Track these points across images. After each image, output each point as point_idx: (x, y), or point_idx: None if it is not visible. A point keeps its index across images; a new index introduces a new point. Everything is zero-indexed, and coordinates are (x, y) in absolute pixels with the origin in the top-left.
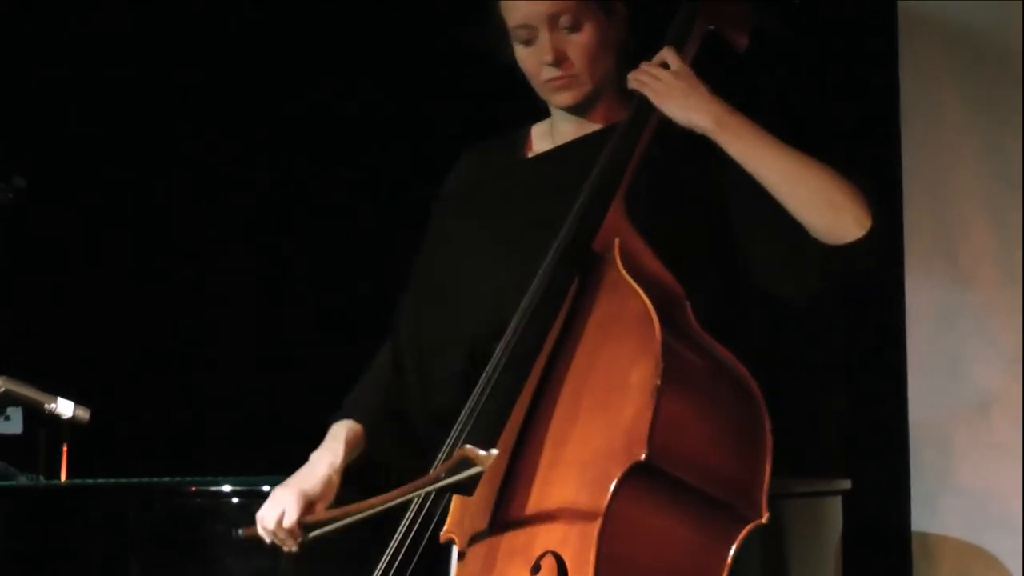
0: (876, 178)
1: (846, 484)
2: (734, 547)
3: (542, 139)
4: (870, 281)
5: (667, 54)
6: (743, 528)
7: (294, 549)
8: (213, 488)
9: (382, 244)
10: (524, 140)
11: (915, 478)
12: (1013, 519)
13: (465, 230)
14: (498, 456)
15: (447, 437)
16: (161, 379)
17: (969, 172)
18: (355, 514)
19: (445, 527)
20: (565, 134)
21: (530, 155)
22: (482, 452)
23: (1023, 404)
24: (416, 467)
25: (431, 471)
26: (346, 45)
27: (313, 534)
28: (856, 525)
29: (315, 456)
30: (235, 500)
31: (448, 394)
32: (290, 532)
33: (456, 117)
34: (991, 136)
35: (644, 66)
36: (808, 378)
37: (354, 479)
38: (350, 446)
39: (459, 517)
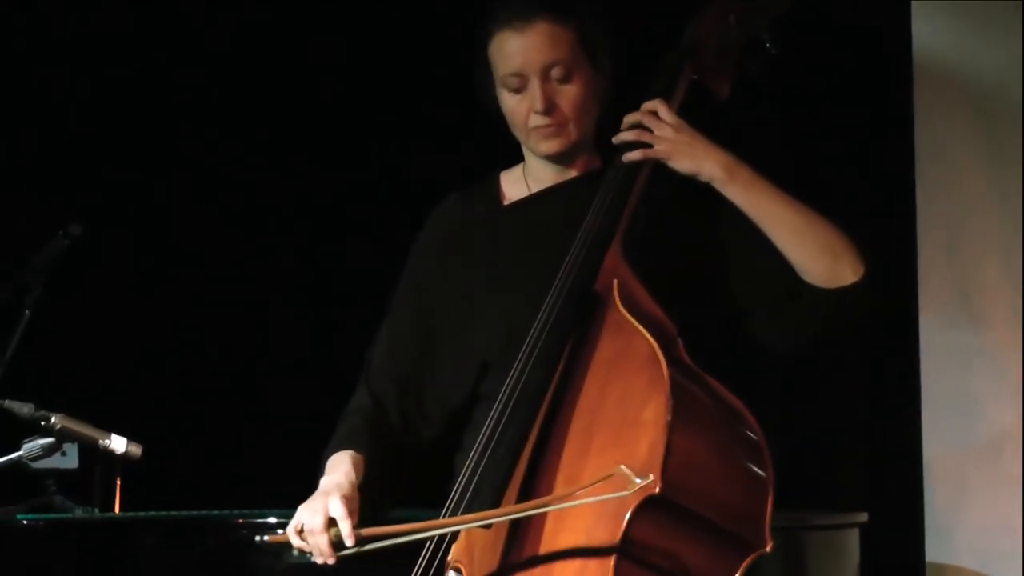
0: (892, 224)
1: (863, 517)
2: (739, 574)
3: (515, 185)
4: (886, 323)
5: (659, 106)
6: (748, 556)
7: (332, 561)
8: (259, 520)
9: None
10: (496, 188)
11: (930, 512)
12: None
13: (446, 276)
14: (510, 491)
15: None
16: (208, 414)
17: (982, 218)
18: (407, 534)
19: (452, 554)
20: (543, 180)
21: (506, 202)
22: (637, 480)
23: None
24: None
25: (445, 511)
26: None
27: (361, 549)
28: (873, 557)
29: (328, 479)
30: (280, 532)
31: (435, 429)
32: (346, 533)
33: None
34: (1004, 183)
35: (640, 118)
36: (827, 416)
37: None
38: (357, 467)
39: (467, 546)
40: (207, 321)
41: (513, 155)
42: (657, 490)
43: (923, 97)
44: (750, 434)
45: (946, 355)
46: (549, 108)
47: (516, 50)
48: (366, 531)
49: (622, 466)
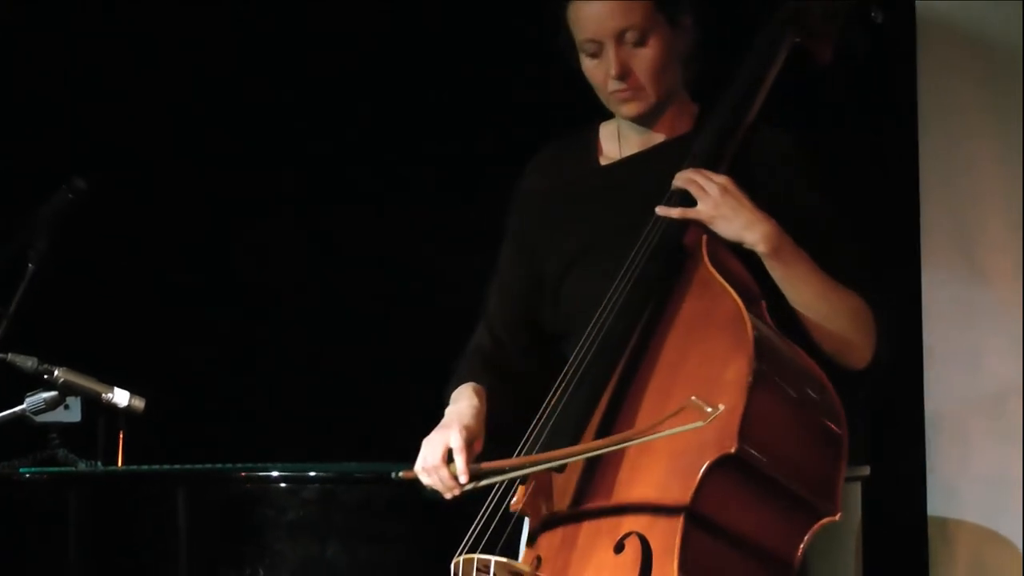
0: (894, 179)
1: (865, 471)
2: (806, 540)
3: (610, 142)
4: (888, 278)
5: (707, 174)
6: (817, 522)
7: (456, 493)
8: (262, 473)
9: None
10: (595, 142)
11: (932, 465)
12: None
13: (555, 230)
14: (585, 437)
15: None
16: (212, 368)
17: (985, 170)
18: (524, 467)
19: (516, 499)
20: (632, 143)
21: (602, 160)
22: (709, 408)
23: None
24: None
25: (521, 448)
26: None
27: (482, 483)
28: (875, 510)
29: (453, 407)
30: (283, 486)
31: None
32: (459, 469)
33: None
34: (1007, 139)
35: (690, 174)
36: (830, 371)
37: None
38: (480, 396)
39: (534, 491)
40: (210, 275)
41: None
42: (733, 449)
43: (926, 52)
44: (828, 399)
45: (948, 309)
46: (624, 73)
47: (589, 16)
48: (485, 465)
49: (693, 397)
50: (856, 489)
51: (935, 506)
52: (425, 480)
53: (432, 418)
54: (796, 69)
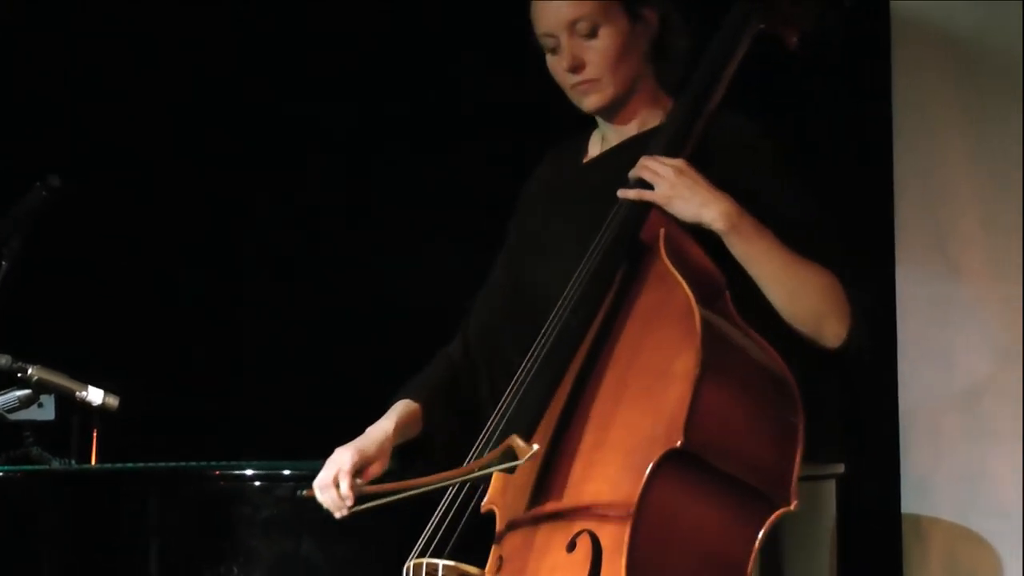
0: (869, 174)
1: (840, 468)
2: (762, 532)
3: (595, 143)
4: (863, 274)
5: (658, 159)
6: (772, 514)
7: (344, 513)
8: (236, 472)
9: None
10: (585, 144)
11: (907, 463)
12: (1002, 502)
13: (537, 232)
14: (542, 435)
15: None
16: (186, 366)
17: (959, 167)
18: (404, 491)
19: (487, 498)
20: (609, 139)
21: (585, 160)
22: (523, 444)
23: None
24: (468, 444)
25: (473, 453)
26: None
27: (365, 505)
28: (850, 508)
29: (370, 428)
30: (257, 484)
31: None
32: (345, 491)
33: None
34: (981, 135)
35: (645, 160)
36: (804, 367)
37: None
38: (403, 421)
39: (502, 489)
40: (184, 272)
41: None
42: (679, 443)
43: (900, 49)
44: (785, 391)
45: (922, 306)
46: (575, 65)
47: (542, 11)
48: (369, 488)
49: (514, 436)
50: (831, 487)
51: (909, 503)
52: (318, 497)
53: None
54: (775, 66)
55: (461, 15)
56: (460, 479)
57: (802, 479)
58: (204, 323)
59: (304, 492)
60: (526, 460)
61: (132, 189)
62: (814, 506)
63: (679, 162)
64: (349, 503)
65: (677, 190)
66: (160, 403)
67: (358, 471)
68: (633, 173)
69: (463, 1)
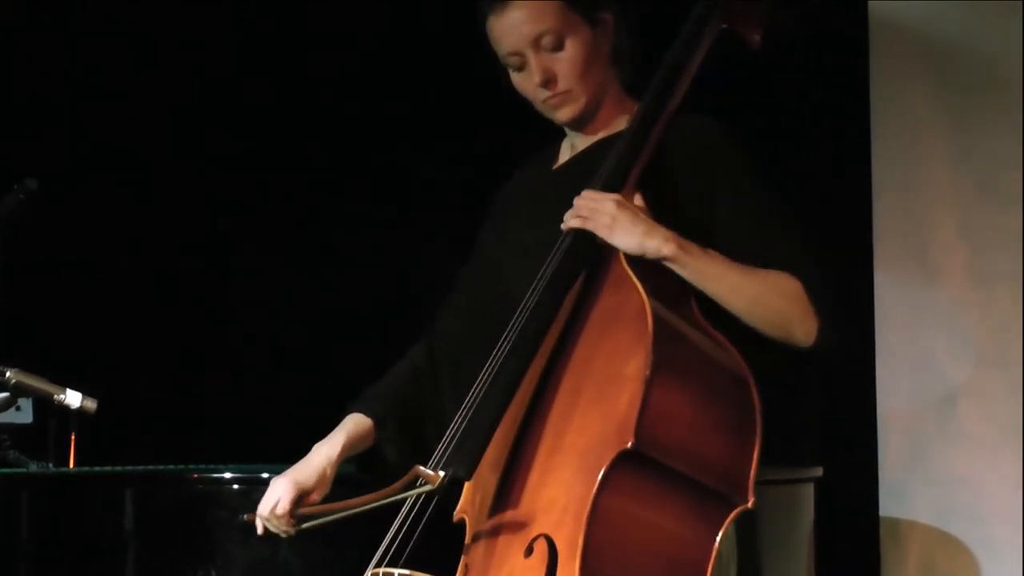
0: (847, 180)
1: (818, 472)
2: (721, 532)
3: (565, 151)
4: (841, 279)
5: (597, 193)
6: (730, 513)
7: (290, 534)
8: (215, 475)
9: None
10: (554, 153)
11: (884, 467)
12: (979, 506)
13: (504, 238)
14: (502, 442)
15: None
16: (165, 369)
17: (938, 173)
18: (342, 511)
19: (459, 507)
20: (577, 146)
21: (555, 167)
22: (431, 472)
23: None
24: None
25: (432, 462)
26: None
27: (305, 525)
28: (828, 511)
29: (315, 448)
30: (236, 487)
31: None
32: (282, 520)
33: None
34: (959, 138)
35: (585, 196)
36: (783, 371)
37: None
38: (351, 439)
39: (471, 499)
40: (164, 275)
41: None
42: (630, 444)
43: (878, 52)
44: (741, 391)
45: (901, 311)
46: (547, 79)
47: (504, 29)
48: (305, 509)
49: (419, 467)
50: (809, 490)
51: (886, 507)
52: (259, 524)
53: None
54: (748, 69)
55: (461, 15)
56: (377, 504)
57: (780, 483)
58: (204, 323)
59: (246, 517)
60: (436, 486)
61: (132, 189)
62: (792, 510)
63: (616, 196)
64: (291, 532)
65: (618, 221)
66: (160, 403)
67: (296, 502)
68: (569, 214)
69: (463, 1)
